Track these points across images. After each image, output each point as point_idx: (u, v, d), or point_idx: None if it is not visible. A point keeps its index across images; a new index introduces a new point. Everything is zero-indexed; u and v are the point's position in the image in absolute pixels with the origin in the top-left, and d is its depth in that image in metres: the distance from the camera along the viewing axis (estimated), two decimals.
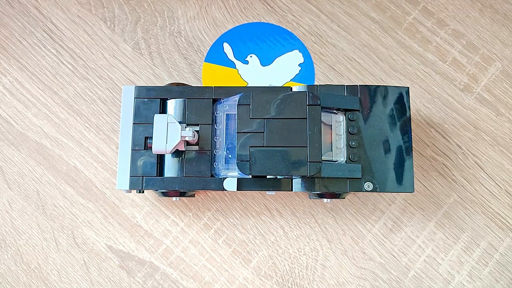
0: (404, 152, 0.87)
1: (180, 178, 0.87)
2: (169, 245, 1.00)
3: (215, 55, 1.08)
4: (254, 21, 1.09)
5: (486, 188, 1.01)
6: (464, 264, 0.98)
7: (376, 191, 0.85)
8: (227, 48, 1.08)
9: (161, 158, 0.89)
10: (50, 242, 1.01)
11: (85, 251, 1.01)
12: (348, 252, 0.99)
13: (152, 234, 1.01)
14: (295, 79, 1.06)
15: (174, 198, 0.93)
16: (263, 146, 0.80)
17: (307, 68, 1.06)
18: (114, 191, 1.03)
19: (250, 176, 0.85)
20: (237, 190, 0.86)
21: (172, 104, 0.90)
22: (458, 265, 0.98)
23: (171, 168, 0.88)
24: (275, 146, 0.80)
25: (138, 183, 0.88)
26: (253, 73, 1.07)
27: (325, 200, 0.91)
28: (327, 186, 0.86)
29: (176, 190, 0.89)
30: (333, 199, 0.93)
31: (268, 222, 1.01)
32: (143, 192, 0.89)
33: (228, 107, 0.89)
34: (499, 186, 1.00)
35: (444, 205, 1.00)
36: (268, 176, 0.86)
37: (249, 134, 0.81)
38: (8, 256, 1.01)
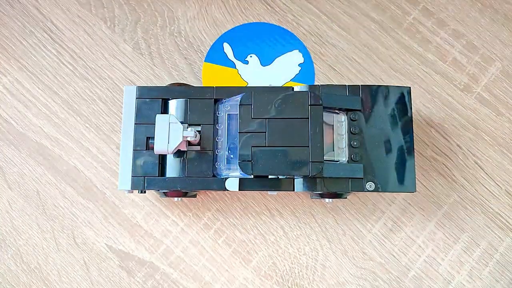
0: (406, 152, 0.87)
1: (182, 178, 0.87)
2: (169, 245, 1.00)
3: (215, 55, 1.08)
4: (254, 21, 1.09)
5: (486, 188, 1.01)
6: (464, 264, 0.98)
7: (378, 191, 0.85)
8: (227, 48, 1.08)
9: (162, 158, 0.89)
10: (50, 242, 1.01)
11: (85, 251, 1.01)
12: (348, 252, 0.99)
13: (152, 234, 1.01)
14: (295, 79, 1.06)
15: (175, 199, 0.93)
16: (265, 146, 0.80)
17: (307, 68, 1.06)
18: (114, 191, 1.03)
19: (252, 176, 0.85)
20: (239, 190, 0.86)
21: (174, 104, 0.90)
22: (458, 265, 0.98)
23: (173, 168, 0.88)
24: (277, 146, 0.80)
25: (140, 183, 0.88)
26: (253, 73, 1.07)
27: (327, 200, 0.91)
28: (329, 186, 0.86)
29: (177, 190, 0.89)
30: (334, 199, 0.92)
31: (268, 222, 1.01)
32: (144, 192, 0.89)
33: (230, 107, 0.89)
34: (499, 186, 1.01)
35: (444, 205, 1.00)
36: (270, 176, 0.86)
37: (251, 134, 0.81)
38: (8, 256, 1.01)
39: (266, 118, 0.81)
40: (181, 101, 0.90)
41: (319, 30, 1.08)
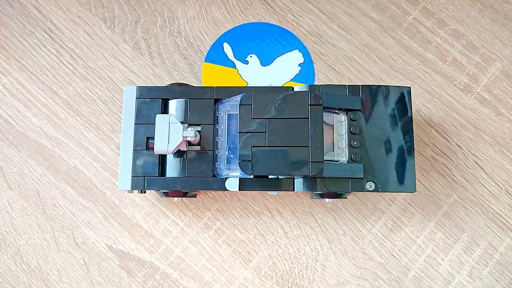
0: (406, 152, 0.87)
1: (182, 178, 0.87)
2: (169, 245, 1.00)
3: (215, 55, 1.08)
4: (254, 21, 1.09)
5: (486, 188, 1.01)
6: (464, 264, 0.98)
7: (378, 191, 0.85)
8: (227, 48, 1.08)
9: (162, 158, 0.89)
10: (50, 242, 1.01)
11: (85, 251, 1.01)
12: (348, 252, 0.99)
13: (152, 234, 1.01)
14: (295, 79, 1.06)
15: (175, 199, 0.93)
16: (265, 146, 0.80)
17: (307, 68, 1.06)
18: (114, 191, 1.03)
19: (252, 176, 0.85)
20: (239, 190, 0.86)
21: (174, 104, 0.90)
22: (458, 265, 0.98)
23: (173, 168, 0.88)
24: (277, 146, 0.80)
25: (140, 183, 0.88)
26: (253, 73, 1.07)
27: (327, 200, 0.91)
28: (329, 186, 0.86)
29: (178, 190, 0.89)
30: (334, 199, 0.92)
31: (268, 222, 1.01)
32: (144, 192, 0.89)
33: (230, 107, 0.89)
34: (499, 186, 1.01)
35: (444, 205, 1.00)
36: (270, 176, 0.86)
37: (251, 134, 0.81)
38: (8, 256, 1.01)
39: (266, 118, 0.81)
40: (181, 101, 0.90)
41: (319, 30, 1.08)
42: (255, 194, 1.02)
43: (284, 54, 1.08)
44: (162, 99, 0.91)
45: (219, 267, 0.99)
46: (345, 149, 0.87)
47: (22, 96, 1.06)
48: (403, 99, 0.88)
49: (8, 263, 1.00)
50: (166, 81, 1.06)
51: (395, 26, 1.07)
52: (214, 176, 0.88)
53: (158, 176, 0.88)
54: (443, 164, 1.02)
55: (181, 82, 1.06)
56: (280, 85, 1.03)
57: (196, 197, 0.98)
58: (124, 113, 0.90)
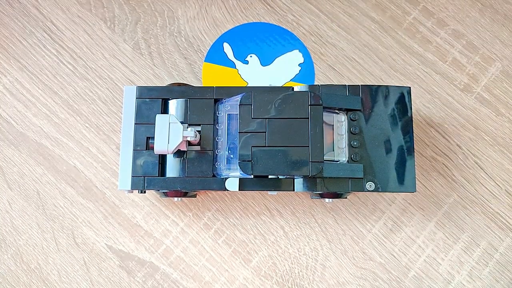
0: (406, 152, 0.87)
1: (182, 178, 0.87)
2: (169, 245, 1.00)
3: (215, 55, 1.08)
4: (254, 21, 1.09)
5: (486, 188, 1.01)
6: (464, 264, 0.98)
7: (378, 191, 0.85)
8: (227, 48, 1.08)
9: (162, 158, 0.89)
10: (50, 242, 1.01)
11: (85, 251, 1.00)
12: (348, 252, 0.99)
13: (152, 234, 1.01)
14: (295, 79, 1.06)
15: (175, 199, 0.93)
16: (265, 146, 0.80)
17: (307, 68, 1.06)
18: (114, 191, 1.02)
19: (252, 176, 0.85)
20: (239, 190, 0.86)
21: (174, 104, 0.90)
22: (458, 265, 0.98)
23: (173, 168, 0.88)
24: (277, 146, 0.80)
25: (140, 183, 0.88)
26: (253, 73, 1.07)
27: (327, 200, 0.91)
28: (329, 186, 0.86)
29: (177, 190, 0.89)
30: (334, 199, 0.92)
31: (268, 222, 1.01)
32: (144, 192, 0.89)
33: (230, 107, 0.89)
34: (499, 186, 1.01)
35: (444, 205, 1.00)
36: (270, 176, 0.86)
37: (251, 134, 0.81)
38: (8, 256, 1.01)
39: (266, 118, 0.81)
40: (181, 101, 0.90)
41: (319, 30, 1.08)
42: (255, 194, 1.02)
43: (284, 54, 1.08)
44: (162, 99, 0.91)
45: (219, 267, 0.99)
46: (345, 149, 0.87)
47: (22, 96, 1.06)
48: (403, 99, 0.88)
49: (8, 263, 1.00)
50: (166, 81, 1.06)
51: (395, 26, 1.07)
52: (214, 176, 0.88)
53: (158, 176, 0.88)
54: (443, 164, 1.02)
55: (181, 82, 1.06)
56: (280, 85, 1.03)
57: (196, 197, 0.98)
58: (124, 113, 0.90)
